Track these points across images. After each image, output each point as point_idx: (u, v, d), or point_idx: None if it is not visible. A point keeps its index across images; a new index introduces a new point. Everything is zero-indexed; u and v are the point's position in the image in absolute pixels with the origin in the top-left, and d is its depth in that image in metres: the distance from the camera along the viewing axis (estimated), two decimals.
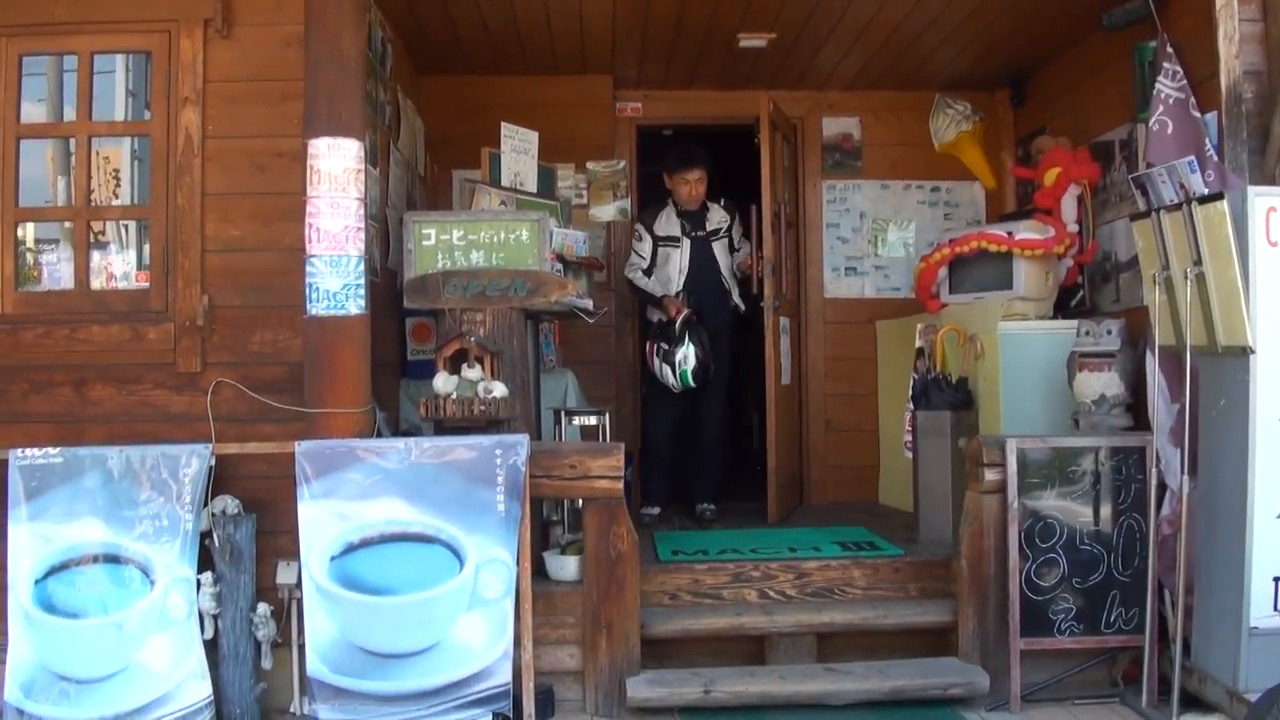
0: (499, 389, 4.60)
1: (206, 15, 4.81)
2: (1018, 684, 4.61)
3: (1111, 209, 6.11)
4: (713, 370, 6.42)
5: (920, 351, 6.30)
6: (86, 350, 4.78)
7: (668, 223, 6.70)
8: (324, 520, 4.26)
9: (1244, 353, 4.07)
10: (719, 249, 6.75)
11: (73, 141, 5.17)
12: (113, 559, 4.27)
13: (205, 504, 4.40)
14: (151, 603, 4.25)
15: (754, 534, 6.02)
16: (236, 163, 4.84)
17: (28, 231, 5.96)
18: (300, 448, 4.29)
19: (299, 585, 4.36)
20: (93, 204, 5.45)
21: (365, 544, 4.28)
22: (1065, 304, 6.29)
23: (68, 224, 5.35)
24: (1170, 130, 4.95)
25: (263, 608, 4.45)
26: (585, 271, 5.99)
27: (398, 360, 6.12)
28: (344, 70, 4.45)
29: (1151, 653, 4.51)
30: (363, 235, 4.50)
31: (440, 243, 5.08)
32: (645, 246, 6.65)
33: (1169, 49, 5.03)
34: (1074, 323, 5.67)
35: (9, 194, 4.87)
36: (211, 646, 4.37)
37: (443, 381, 4.61)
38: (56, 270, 5.87)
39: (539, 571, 4.76)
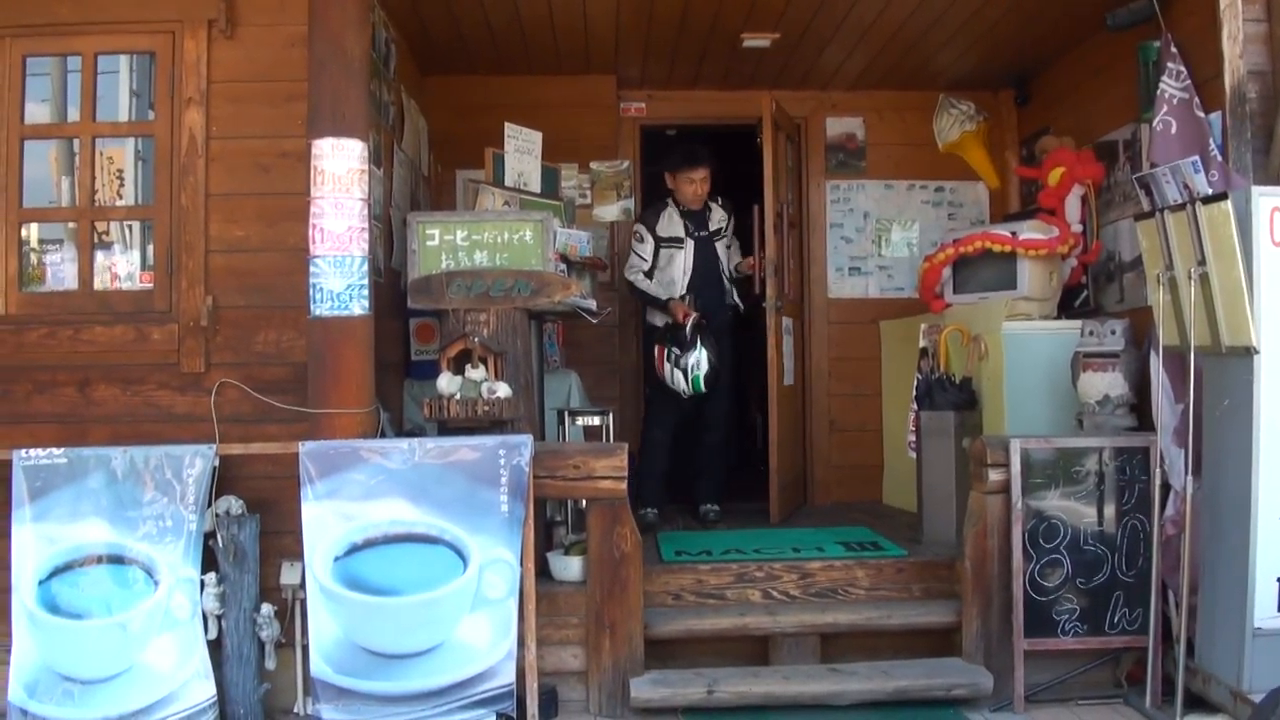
0: (502, 389, 4.60)
1: (210, 16, 4.81)
2: (1021, 684, 4.61)
3: (1115, 209, 6.10)
4: (720, 373, 6.39)
5: (924, 351, 6.30)
6: (90, 351, 4.79)
7: (670, 223, 6.59)
8: (328, 520, 4.26)
9: (1248, 353, 4.07)
10: (720, 248, 6.72)
11: (76, 142, 5.18)
12: (117, 559, 4.27)
13: (209, 504, 4.40)
14: (155, 603, 4.25)
15: (757, 534, 6.02)
16: (240, 163, 4.84)
17: (31, 232, 5.96)
18: (304, 448, 4.29)
19: (303, 586, 4.36)
20: (96, 204, 5.45)
21: (369, 544, 4.28)
22: (1069, 304, 6.28)
23: (71, 224, 5.35)
24: (1174, 130, 4.94)
25: (266, 608, 4.46)
26: (589, 272, 5.98)
27: (401, 361, 6.12)
28: (348, 70, 4.45)
29: (1155, 653, 4.51)
30: (366, 236, 4.49)
31: (444, 243, 5.09)
32: (647, 248, 6.54)
33: (1173, 49, 5.02)
34: (1078, 323, 5.67)
35: (13, 195, 4.88)
36: (215, 647, 4.37)
37: (446, 382, 4.61)
38: (60, 270, 5.88)
39: (542, 572, 4.75)
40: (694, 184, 6.54)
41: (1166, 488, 4.60)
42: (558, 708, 4.58)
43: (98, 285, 5.14)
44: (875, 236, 7.74)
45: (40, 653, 4.19)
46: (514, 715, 4.29)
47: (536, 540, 4.51)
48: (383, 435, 4.76)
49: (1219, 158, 4.71)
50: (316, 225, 4.41)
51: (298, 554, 4.33)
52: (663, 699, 4.53)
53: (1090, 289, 6.33)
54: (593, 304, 5.53)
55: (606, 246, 7.29)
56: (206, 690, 4.27)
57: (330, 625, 4.24)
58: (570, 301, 5.06)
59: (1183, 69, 4.98)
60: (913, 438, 6.11)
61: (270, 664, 4.50)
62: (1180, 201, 4.51)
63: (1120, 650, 4.74)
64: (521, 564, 4.33)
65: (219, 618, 4.40)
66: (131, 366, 4.80)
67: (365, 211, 4.49)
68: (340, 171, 4.40)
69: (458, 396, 4.58)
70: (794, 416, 7.26)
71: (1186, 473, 4.38)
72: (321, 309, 4.41)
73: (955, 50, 6.79)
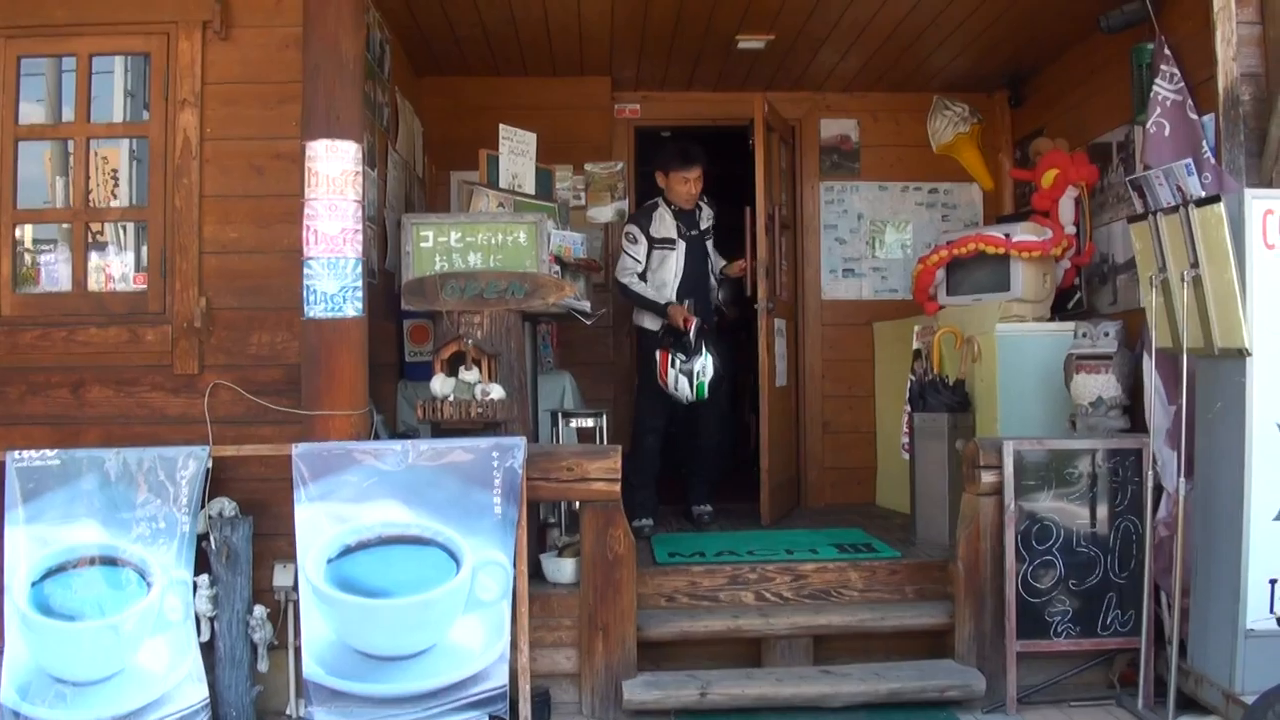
0: (496, 391, 4.61)
1: (205, 17, 4.81)
2: (1014, 686, 4.61)
3: (1109, 211, 6.11)
4: (721, 378, 6.29)
5: (918, 353, 6.31)
6: (84, 352, 4.78)
7: (663, 224, 6.45)
8: (321, 522, 4.26)
9: (1240, 355, 4.08)
10: (710, 248, 6.66)
11: (71, 142, 5.17)
12: (109, 561, 4.27)
13: (202, 506, 4.40)
14: (148, 605, 4.25)
15: (751, 536, 6.02)
16: (234, 165, 4.83)
17: (26, 233, 5.96)
18: (297, 450, 4.29)
19: (296, 588, 4.35)
20: (91, 205, 5.46)
21: (362, 546, 4.27)
22: (1062, 306, 6.30)
23: (66, 225, 5.35)
24: (1167, 132, 4.95)
25: (259, 610, 4.46)
26: (583, 273, 5.98)
27: (395, 362, 6.12)
28: (342, 72, 4.45)
29: (1148, 655, 4.51)
30: (360, 237, 4.49)
31: (438, 245, 5.08)
32: (641, 250, 6.37)
33: (1166, 51, 5.04)
34: (1071, 325, 5.67)
35: (7, 195, 4.87)
36: (208, 649, 4.37)
37: (440, 384, 4.61)
38: (54, 271, 5.87)
39: (536, 574, 4.76)
40: (688, 183, 6.45)
41: (1159, 489, 4.62)
42: (550, 710, 4.58)
43: (92, 286, 5.15)
44: (869, 238, 7.74)
45: (33, 654, 4.19)
46: (507, 717, 4.29)
47: (530, 542, 4.52)
48: (376, 437, 4.76)
49: (1212, 160, 4.72)
50: (311, 227, 4.41)
51: (291, 556, 4.34)
52: (655, 701, 4.53)
53: (1083, 291, 6.34)
54: (587, 306, 5.53)
55: (601, 248, 7.29)
56: (199, 692, 4.27)
57: (323, 627, 4.24)
58: (564, 303, 5.06)
59: (1176, 71, 5.00)
60: (906, 439, 6.13)
61: (263, 666, 4.49)
62: (1173, 204, 4.52)
63: (1113, 652, 4.75)
64: (514, 566, 4.33)
65: (211, 620, 4.40)
66: (125, 368, 4.79)
67: (359, 213, 4.49)
68: (334, 173, 4.40)
69: (451, 398, 4.58)
70: (787, 418, 7.27)
71: (1179, 475, 4.40)
72: (315, 311, 4.41)
73: (949, 52, 6.80)
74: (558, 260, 5.50)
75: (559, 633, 4.68)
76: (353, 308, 4.45)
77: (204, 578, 4.38)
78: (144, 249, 5.16)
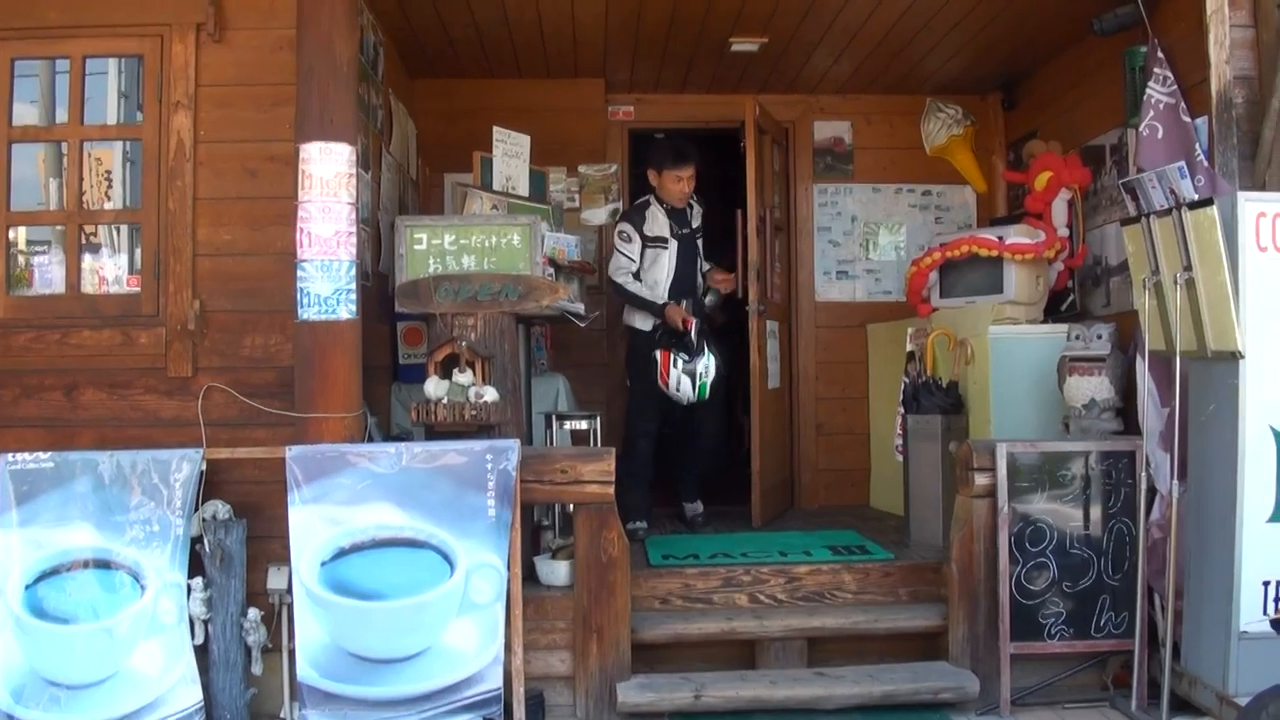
0: (490, 394, 4.60)
1: (199, 19, 4.80)
2: (1008, 688, 4.62)
3: (1102, 213, 6.13)
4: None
5: (911, 355, 6.32)
6: (78, 355, 4.77)
7: (655, 222, 6.39)
8: (314, 525, 4.26)
9: (1233, 357, 4.09)
10: (700, 247, 6.60)
11: (65, 144, 5.16)
12: (103, 564, 4.26)
13: (196, 509, 4.39)
14: (142, 608, 4.24)
15: (745, 538, 6.03)
16: (228, 167, 4.83)
17: (19, 235, 5.93)
18: (291, 452, 4.28)
19: (289, 590, 4.34)
20: (85, 207, 5.44)
21: (356, 549, 4.27)
22: (1055, 308, 6.31)
23: (59, 227, 5.34)
24: (1160, 135, 4.97)
25: (253, 613, 4.45)
26: (577, 276, 5.97)
27: (389, 364, 6.12)
28: (336, 74, 4.44)
29: (1142, 657, 4.53)
30: (354, 240, 4.49)
31: (432, 247, 5.08)
32: (635, 248, 6.31)
33: (1159, 54, 5.05)
34: (1064, 327, 5.69)
35: (1, 197, 4.88)
36: (202, 652, 4.36)
37: (434, 386, 4.61)
38: (48, 274, 5.84)
39: (530, 576, 4.75)
40: (681, 182, 6.38)
41: (1152, 491, 4.62)
42: (545, 712, 4.58)
43: (85, 289, 5.12)
44: (863, 240, 7.75)
45: (27, 658, 4.17)
46: None
47: (524, 545, 4.51)
48: (370, 440, 4.76)
49: (1205, 163, 4.73)
50: (304, 229, 4.40)
51: (285, 559, 4.33)
52: (650, 703, 4.53)
53: (1076, 293, 6.35)
54: (580, 308, 5.53)
55: (595, 250, 7.28)
56: (193, 695, 4.26)
57: (317, 630, 4.23)
58: (558, 306, 5.06)
59: (1169, 74, 5.01)
60: (900, 441, 6.13)
61: (257, 669, 4.49)
62: (1166, 206, 4.53)
63: (1107, 654, 4.76)
64: (508, 568, 4.32)
65: (205, 623, 4.39)
66: (119, 370, 4.78)
67: (353, 215, 4.49)
68: (328, 175, 4.40)
69: (445, 401, 4.58)
70: (779, 420, 7.27)
71: (1172, 477, 4.40)
72: (309, 313, 4.41)
73: (943, 55, 6.82)
74: (551, 263, 5.50)
75: (553, 635, 4.68)
76: (346, 310, 4.44)
77: (198, 580, 4.37)
78: (138, 251, 5.15)
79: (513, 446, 4.38)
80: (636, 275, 6.33)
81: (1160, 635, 4.52)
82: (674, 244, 6.41)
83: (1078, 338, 5.47)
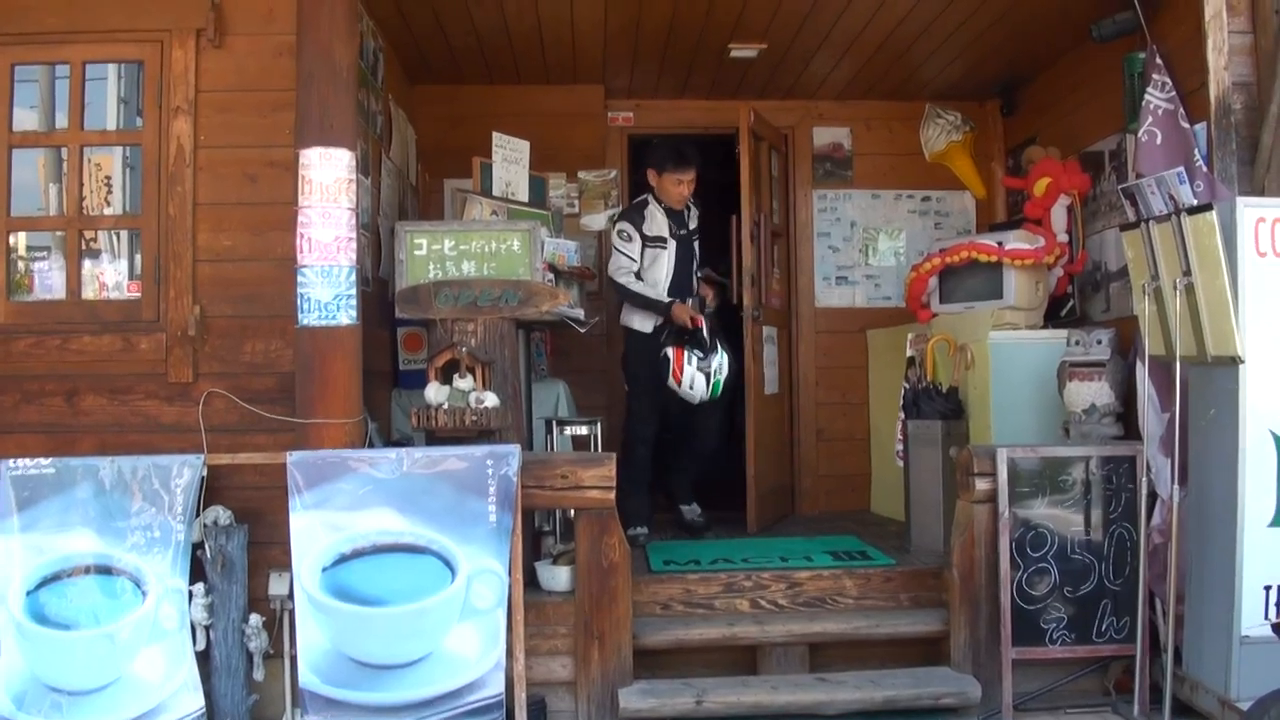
0: (490, 399, 4.60)
1: (199, 25, 4.79)
2: (1010, 693, 4.61)
3: (1101, 219, 6.13)
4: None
5: (911, 361, 6.32)
6: (78, 360, 4.77)
7: (654, 222, 6.34)
8: (316, 531, 4.25)
9: (1233, 362, 4.09)
10: (697, 248, 6.55)
11: (65, 150, 5.17)
12: (104, 570, 4.25)
13: (197, 515, 4.38)
14: (143, 614, 4.23)
15: (746, 543, 6.03)
16: (228, 172, 4.83)
17: (19, 240, 5.94)
18: (292, 458, 4.28)
19: (291, 596, 4.33)
20: (85, 212, 5.45)
21: (357, 554, 4.26)
22: (1055, 314, 6.31)
23: (59, 233, 5.34)
24: (1159, 141, 4.97)
25: (255, 619, 4.44)
26: (577, 281, 5.98)
27: (389, 370, 6.11)
28: (336, 80, 4.44)
29: (1143, 661, 4.53)
30: (354, 245, 4.49)
31: (432, 252, 5.08)
32: (635, 248, 6.25)
33: (1158, 60, 5.05)
34: (1064, 332, 5.70)
35: (1, 203, 4.87)
36: (203, 658, 4.36)
37: (434, 392, 4.61)
38: (48, 279, 5.86)
39: (531, 582, 4.75)
40: (681, 185, 6.34)
41: (1153, 496, 4.63)
42: (547, 718, 4.57)
43: (85, 294, 5.14)
44: (862, 246, 7.76)
45: (28, 664, 4.17)
46: None
47: (525, 550, 4.50)
48: (370, 445, 4.75)
49: (1204, 168, 4.74)
50: (304, 235, 4.40)
51: (286, 564, 4.32)
52: (651, 709, 4.52)
53: (1076, 299, 6.36)
54: (580, 313, 5.54)
55: (594, 256, 7.28)
56: (195, 701, 4.25)
57: (318, 636, 4.23)
58: (558, 311, 5.07)
59: (1168, 80, 5.01)
60: (900, 446, 6.13)
61: (258, 675, 4.48)
62: (1165, 212, 4.54)
63: (1108, 659, 4.76)
64: (510, 574, 4.31)
65: (207, 628, 4.38)
66: (119, 376, 4.78)
67: (353, 221, 4.48)
68: (328, 181, 4.40)
69: (445, 406, 4.57)
70: (777, 425, 7.26)
71: (1173, 481, 4.41)
72: (309, 319, 4.41)
73: (942, 61, 6.82)
74: (551, 268, 5.50)
75: (554, 641, 4.67)
76: (346, 316, 4.44)
77: (199, 586, 4.37)
78: (138, 257, 5.16)
79: (513, 452, 4.38)
80: (638, 275, 6.28)
81: (1162, 640, 4.51)
82: (673, 244, 6.37)
83: (1078, 343, 5.48)
